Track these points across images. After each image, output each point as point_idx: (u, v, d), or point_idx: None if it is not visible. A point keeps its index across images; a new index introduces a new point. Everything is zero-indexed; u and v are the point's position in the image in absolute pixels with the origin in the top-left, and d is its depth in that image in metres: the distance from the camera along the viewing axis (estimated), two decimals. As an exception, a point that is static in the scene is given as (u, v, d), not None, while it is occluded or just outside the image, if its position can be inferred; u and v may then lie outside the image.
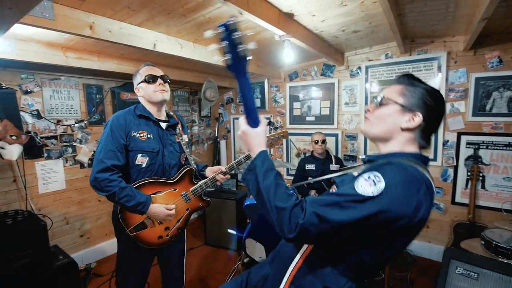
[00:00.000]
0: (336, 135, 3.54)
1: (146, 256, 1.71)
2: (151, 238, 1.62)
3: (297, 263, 0.92)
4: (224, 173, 1.75)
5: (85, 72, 2.96)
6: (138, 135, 1.56)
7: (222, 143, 4.64)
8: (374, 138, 0.95)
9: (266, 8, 1.86)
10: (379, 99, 0.94)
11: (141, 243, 1.60)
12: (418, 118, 0.85)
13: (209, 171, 1.81)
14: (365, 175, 0.77)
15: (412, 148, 0.89)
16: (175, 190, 1.67)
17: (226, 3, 1.52)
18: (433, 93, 0.87)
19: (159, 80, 1.61)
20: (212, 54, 2.74)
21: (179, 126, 1.78)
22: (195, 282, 2.76)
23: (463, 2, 2.01)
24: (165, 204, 1.59)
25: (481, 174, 2.71)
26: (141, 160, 1.56)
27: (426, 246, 3.06)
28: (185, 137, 1.78)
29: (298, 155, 3.89)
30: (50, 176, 2.82)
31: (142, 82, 1.61)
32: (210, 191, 3.76)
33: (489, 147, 2.70)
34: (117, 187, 1.43)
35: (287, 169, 4.03)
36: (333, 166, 3.15)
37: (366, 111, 0.98)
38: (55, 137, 2.84)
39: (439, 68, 2.83)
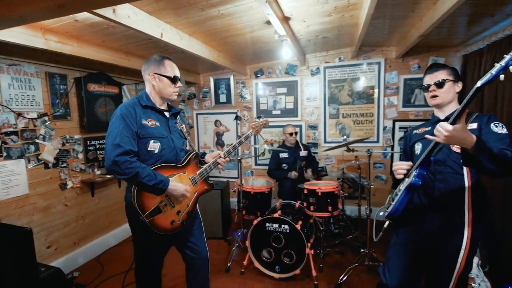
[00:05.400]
0: (300, 126, 4.06)
1: (162, 243, 1.79)
2: (165, 223, 1.66)
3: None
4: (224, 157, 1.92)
5: (47, 58, 2.60)
6: (147, 122, 1.62)
7: (185, 139, 4.60)
8: (445, 104, 1.49)
9: (279, 11, 2.15)
10: (435, 82, 1.49)
11: (155, 229, 1.62)
12: (460, 83, 1.50)
13: (209, 157, 1.93)
14: (493, 125, 1.34)
15: None
16: (184, 173, 1.76)
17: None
18: (454, 68, 1.53)
19: (179, 83, 1.73)
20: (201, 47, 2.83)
21: (178, 116, 1.89)
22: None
23: (399, 23, 2.73)
24: None
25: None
26: (154, 146, 1.63)
27: (375, 210, 3.86)
28: (184, 126, 1.90)
29: (265, 145, 4.25)
30: (11, 179, 2.38)
31: (166, 77, 1.66)
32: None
33: (413, 130, 3.66)
34: (139, 167, 1.47)
35: (255, 159, 4.35)
36: (302, 152, 3.64)
37: (432, 91, 1.49)
38: (15, 133, 2.41)
39: (379, 70, 3.66)
